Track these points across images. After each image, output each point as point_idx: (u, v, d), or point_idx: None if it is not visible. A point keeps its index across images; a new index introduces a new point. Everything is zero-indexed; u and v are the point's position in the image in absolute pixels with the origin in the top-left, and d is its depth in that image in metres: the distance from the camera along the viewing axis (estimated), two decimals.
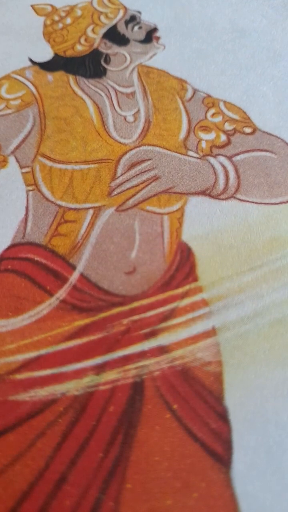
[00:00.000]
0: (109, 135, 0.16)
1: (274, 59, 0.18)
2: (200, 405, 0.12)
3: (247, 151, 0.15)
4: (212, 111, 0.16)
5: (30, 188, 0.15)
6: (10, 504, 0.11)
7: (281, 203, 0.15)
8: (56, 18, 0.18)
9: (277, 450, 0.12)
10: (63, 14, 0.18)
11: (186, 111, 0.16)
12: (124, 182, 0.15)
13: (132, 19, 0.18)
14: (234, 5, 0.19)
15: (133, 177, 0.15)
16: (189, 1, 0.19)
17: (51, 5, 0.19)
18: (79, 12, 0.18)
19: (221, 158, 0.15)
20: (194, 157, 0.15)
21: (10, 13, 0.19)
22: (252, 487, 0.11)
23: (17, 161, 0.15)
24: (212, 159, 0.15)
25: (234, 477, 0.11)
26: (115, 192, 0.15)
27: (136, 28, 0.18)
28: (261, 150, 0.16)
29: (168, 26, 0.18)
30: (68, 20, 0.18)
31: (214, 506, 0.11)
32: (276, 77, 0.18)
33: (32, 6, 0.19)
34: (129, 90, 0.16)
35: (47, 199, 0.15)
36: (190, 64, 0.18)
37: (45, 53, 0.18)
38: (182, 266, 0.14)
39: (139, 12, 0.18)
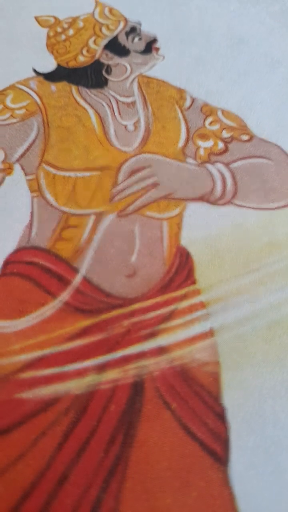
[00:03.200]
0: (111, 144, 0.16)
1: (272, 66, 0.18)
2: (198, 405, 0.12)
3: (244, 158, 0.16)
4: (210, 119, 0.16)
5: (35, 194, 0.15)
6: (12, 502, 0.11)
7: (277, 208, 0.15)
8: (59, 29, 0.19)
9: (275, 450, 0.12)
10: (65, 25, 0.19)
11: (185, 120, 0.17)
12: (125, 188, 0.15)
13: (132, 31, 0.18)
14: (233, 13, 0.20)
15: (134, 184, 0.15)
16: (189, 9, 0.20)
17: (54, 17, 0.19)
18: (81, 24, 0.18)
19: (219, 165, 0.15)
20: (193, 164, 0.16)
21: (14, 24, 0.20)
22: (250, 486, 0.11)
23: (22, 168, 0.16)
24: (210, 166, 0.15)
25: (233, 476, 0.11)
26: (116, 199, 0.15)
27: (136, 39, 0.18)
28: (258, 157, 0.16)
29: (167, 34, 0.19)
30: (71, 32, 0.18)
31: (213, 505, 0.11)
32: (274, 83, 0.18)
33: (35, 17, 0.19)
34: (129, 100, 0.17)
35: (51, 205, 0.15)
36: (189, 70, 0.18)
37: (49, 64, 0.18)
38: (181, 269, 0.14)
39: (139, 23, 0.19)
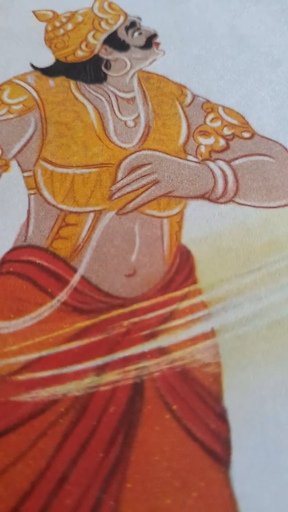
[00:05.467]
0: (110, 140, 0.16)
1: (272, 65, 0.18)
2: (199, 406, 0.12)
3: (246, 156, 0.16)
4: (211, 116, 0.16)
5: (32, 191, 0.15)
6: (12, 503, 0.11)
7: (278, 206, 0.15)
8: (57, 24, 0.18)
9: (275, 450, 0.12)
10: (64, 20, 0.18)
11: (186, 116, 0.16)
12: (125, 186, 0.15)
13: (132, 25, 0.18)
14: (233, 11, 0.20)
15: (133, 181, 0.15)
16: (189, 8, 0.20)
17: (52, 11, 0.19)
18: (80, 18, 0.18)
19: (220, 163, 0.15)
20: (194, 161, 0.15)
21: (12, 18, 0.19)
22: (250, 486, 0.11)
23: (19, 165, 0.15)
24: (211, 164, 0.15)
25: (233, 476, 0.11)
26: (115, 196, 0.15)
27: (136, 34, 0.18)
28: (259, 155, 0.16)
29: (167, 32, 0.19)
30: (69, 26, 0.18)
31: (213, 506, 0.11)
32: (274, 82, 0.18)
33: (33, 12, 0.19)
34: (129, 96, 0.17)
35: (48, 203, 0.15)
36: (190, 69, 0.18)
37: (47, 58, 0.18)
38: (182, 268, 0.14)
39: (139, 18, 0.19)
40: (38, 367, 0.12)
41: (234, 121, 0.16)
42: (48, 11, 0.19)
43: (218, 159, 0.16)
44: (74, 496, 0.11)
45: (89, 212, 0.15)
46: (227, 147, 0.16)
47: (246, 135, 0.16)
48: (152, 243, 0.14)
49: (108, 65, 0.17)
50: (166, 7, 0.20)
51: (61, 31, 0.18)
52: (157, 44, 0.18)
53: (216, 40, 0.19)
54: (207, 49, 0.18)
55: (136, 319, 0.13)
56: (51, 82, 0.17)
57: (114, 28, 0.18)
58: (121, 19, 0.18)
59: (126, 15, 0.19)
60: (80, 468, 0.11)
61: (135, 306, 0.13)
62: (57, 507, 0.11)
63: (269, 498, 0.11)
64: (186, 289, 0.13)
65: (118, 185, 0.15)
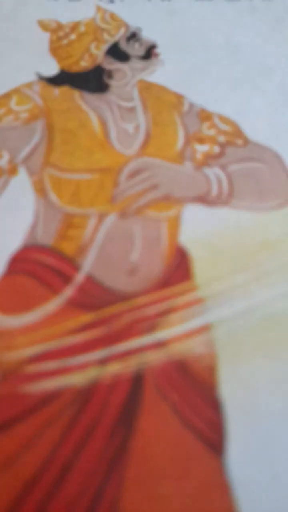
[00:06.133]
0: (112, 146, 0.17)
1: (267, 73, 0.19)
2: (196, 397, 0.13)
3: (239, 162, 0.17)
4: (206, 124, 0.17)
5: (39, 195, 0.16)
6: (17, 492, 0.12)
7: (270, 209, 0.16)
8: (61, 34, 0.19)
9: (268, 439, 0.12)
10: (67, 30, 0.19)
11: (183, 125, 0.17)
12: (126, 189, 0.16)
13: (133, 36, 0.19)
14: (229, 22, 0.21)
15: (134, 185, 0.16)
16: (187, 18, 0.20)
17: (56, 21, 0.19)
18: (83, 28, 0.19)
19: (215, 168, 0.16)
20: (190, 167, 0.16)
21: (18, 27, 0.20)
22: (245, 475, 0.12)
23: (27, 169, 0.16)
24: (206, 169, 0.16)
25: (229, 465, 0.12)
26: (117, 199, 0.16)
27: (136, 44, 0.19)
28: (252, 160, 0.17)
29: (166, 42, 0.19)
30: (73, 36, 0.19)
31: (211, 494, 0.12)
32: (268, 91, 0.19)
33: (38, 21, 0.20)
34: (130, 104, 0.17)
35: (55, 206, 0.16)
36: (187, 78, 0.19)
37: (53, 67, 0.19)
38: (179, 267, 0.15)
39: (139, 29, 0.19)
40: (44, 359, 0.13)
41: (229, 129, 0.17)
42: (52, 21, 0.19)
43: (213, 165, 0.16)
44: (77, 485, 0.12)
45: (93, 214, 0.15)
46: (221, 153, 0.17)
47: (240, 142, 0.17)
48: (152, 243, 0.15)
49: (110, 75, 0.18)
50: (165, 18, 0.20)
51: (65, 41, 0.19)
52: (156, 55, 0.19)
53: (212, 50, 0.19)
54: (204, 59, 0.19)
55: (136, 314, 0.14)
56: (56, 91, 0.18)
57: (116, 38, 0.19)
58: (122, 30, 0.19)
59: (126, 26, 0.19)
60: (83, 458, 0.12)
61: (135, 302, 0.14)
62: (61, 495, 0.11)
63: (263, 486, 0.12)
64: (183, 286, 0.14)
65: (120, 188, 0.16)
